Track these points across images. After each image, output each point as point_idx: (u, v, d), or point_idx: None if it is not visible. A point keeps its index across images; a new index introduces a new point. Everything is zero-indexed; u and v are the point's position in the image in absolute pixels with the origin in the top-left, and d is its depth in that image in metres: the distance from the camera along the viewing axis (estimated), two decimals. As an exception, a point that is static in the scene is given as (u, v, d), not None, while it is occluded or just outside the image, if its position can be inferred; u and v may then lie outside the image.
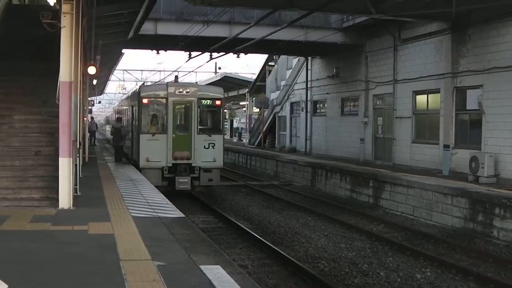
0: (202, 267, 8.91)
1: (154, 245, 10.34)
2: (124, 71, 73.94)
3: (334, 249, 17.30)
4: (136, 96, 28.49)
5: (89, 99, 43.43)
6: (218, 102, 27.54)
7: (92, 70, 23.01)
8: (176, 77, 32.30)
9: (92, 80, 33.70)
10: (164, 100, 26.62)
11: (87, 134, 33.75)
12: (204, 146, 26.45)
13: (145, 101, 26.80)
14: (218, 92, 28.12)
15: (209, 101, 27.24)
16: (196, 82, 36.91)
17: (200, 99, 26.74)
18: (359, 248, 17.40)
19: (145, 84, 41.75)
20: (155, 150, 26.08)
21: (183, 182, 26.10)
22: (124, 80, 76.80)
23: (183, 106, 27.09)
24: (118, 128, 31.16)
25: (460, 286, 13.85)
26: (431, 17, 25.82)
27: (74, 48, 14.46)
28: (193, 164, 26.38)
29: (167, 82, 32.26)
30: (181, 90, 26.73)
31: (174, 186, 26.11)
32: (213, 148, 26.59)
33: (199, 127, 26.63)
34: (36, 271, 8.67)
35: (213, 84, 56.79)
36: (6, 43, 21.76)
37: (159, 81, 60.86)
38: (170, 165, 26.10)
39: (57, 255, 9.70)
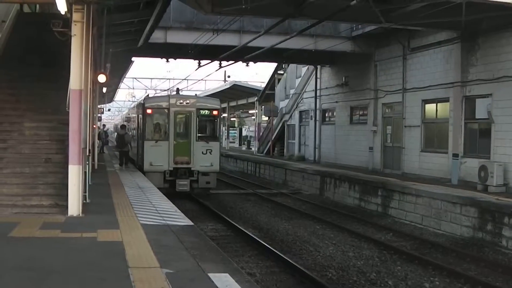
0: (211, 275, 8.95)
1: (163, 253, 10.37)
2: (134, 79, 74.14)
3: (342, 257, 17.27)
4: (141, 107, 31.08)
5: (99, 106, 43.61)
6: (215, 112, 30.21)
7: (102, 78, 23.09)
8: (178, 89, 35.56)
9: (102, 88, 33.82)
10: (166, 110, 29.24)
11: (97, 142, 34.10)
12: (202, 152, 29.03)
13: (149, 111, 29.42)
14: (215, 103, 31.05)
15: (207, 111, 29.89)
16: (196, 94, 38.11)
17: (198, 109, 29.42)
18: (367, 257, 17.37)
19: (149, 95, 44.20)
20: (158, 155, 28.63)
21: (183, 184, 28.65)
22: (133, 88, 76.99)
23: (183, 115, 29.65)
24: (122, 135, 33.40)
25: (469, 296, 13.85)
26: (441, 26, 25.81)
27: (85, 56, 14.54)
28: (192, 168, 29.00)
29: (169, 94, 36.44)
30: (181, 101, 29.50)
31: (175, 188, 28.44)
32: (210, 154, 29.19)
33: (197, 134, 29.27)
34: (45, 278, 8.71)
35: (223, 92, 58.08)
36: (17, 50, 21.87)
37: (168, 89, 61.17)
38: (171, 169, 28.70)
39: (66, 262, 9.74)
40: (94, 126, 31.10)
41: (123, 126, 36.55)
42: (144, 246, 10.94)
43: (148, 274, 8.94)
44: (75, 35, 14.27)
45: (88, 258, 10.03)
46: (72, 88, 14.44)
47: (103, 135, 47.99)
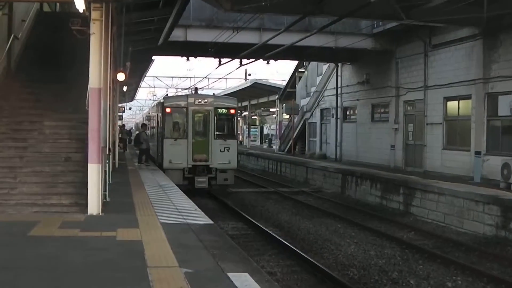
0: (230, 274, 8.85)
1: (182, 252, 10.31)
2: (155, 78, 74.33)
3: (363, 256, 17.14)
4: (160, 106, 31.77)
5: (120, 105, 43.73)
6: (232, 111, 30.81)
7: (121, 76, 23.09)
8: (196, 88, 35.82)
9: (123, 87, 33.93)
10: (185, 110, 29.97)
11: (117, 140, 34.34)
12: (220, 150, 29.67)
13: (168, 110, 30.09)
14: (232, 102, 31.72)
15: (224, 110, 30.49)
16: (214, 94, 38.26)
17: (216, 108, 30.10)
18: (389, 256, 17.22)
19: (168, 95, 45.01)
20: (177, 153, 29.35)
21: (201, 181, 29.30)
22: (154, 87, 77.15)
23: (202, 114, 30.34)
24: (138, 134, 34.71)
25: (492, 295, 13.66)
26: (462, 22, 25.61)
27: (104, 55, 14.53)
28: (210, 166, 29.64)
29: (187, 94, 37.30)
30: (199, 100, 30.33)
31: (193, 184, 29.12)
32: (228, 151, 29.80)
33: (215, 133, 29.93)
34: (63, 278, 8.70)
35: (244, 91, 58.36)
36: (37, 50, 21.95)
37: (189, 88, 61.33)
38: (190, 166, 29.38)
39: (84, 261, 9.70)
40: (120, 124, 31.68)
41: (143, 125, 36.98)
42: (164, 246, 10.87)
43: (167, 273, 8.87)
44: (93, 33, 14.26)
45: (107, 257, 9.98)
46: (91, 86, 14.44)
47: (125, 134, 48.14)
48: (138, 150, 35.13)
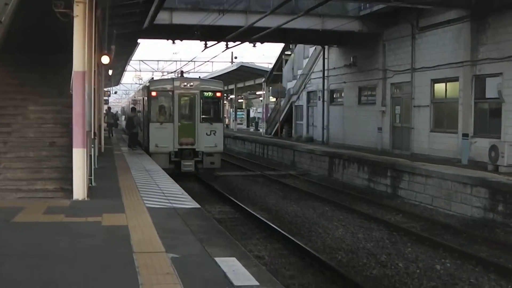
0: (217, 259, 8.76)
1: (169, 237, 10.20)
2: (140, 61, 74.07)
3: (352, 239, 17.08)
4: (146, 90, 31.65)
5: (105, 89, 43.46)
6: (218, 94, 30.92)
7: (105, 59, 22.91)
8: (182, 72, 36.08)
9: (108, 71, 33.72)
10: (170, 93, 29.88)
11: (103, 124, 34.12)
12: (206, 133, 29.68)
13: (153, 93, 30.01)
14: (218, 85, 31.68)
15: (210, 93, 30.50)
16: (199, 77, 37.77)
17: (202, 91, 30.05)
18: (377, 239, 17.17)
19: (154, 78, 44.70)
20: (163, 137, 29.28)
21: (188, 165, 29.29)
22: (140, 71, 76.91)
23: (188, 98, 30.22)
24: (131, 117, 34.08)
25: (481, 277, 13.55)
26: (450, 4, 25.52)
27: (88, 38, 14.34)
28: (196, 149, 29.64)
29: (173, 77, 37.40)
30: (185, 83, 30.07)
31: (180, 168, 29.01)
32: (214, 135, 29.82)
33: (202, 116, 29.90)
34: (48, 265, 8.56)
35: (230, 74, 58.11)
36: (21, 34, 21.65)
37: (175, 71, 61.11)
38: (177, 150, 29.36)
39: (70, 247, 9.58)
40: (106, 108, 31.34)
41: (133, 109, 36.77)
42: (150, 231, 10.76)
43: (153, 259, 8.76)
44: (77, 16, 14.06)
45: (93, 243, 9.87)
46: (75, 70, 14.24)
47: (111, 118, 47.78)
48: (128, 134, 34.89)
